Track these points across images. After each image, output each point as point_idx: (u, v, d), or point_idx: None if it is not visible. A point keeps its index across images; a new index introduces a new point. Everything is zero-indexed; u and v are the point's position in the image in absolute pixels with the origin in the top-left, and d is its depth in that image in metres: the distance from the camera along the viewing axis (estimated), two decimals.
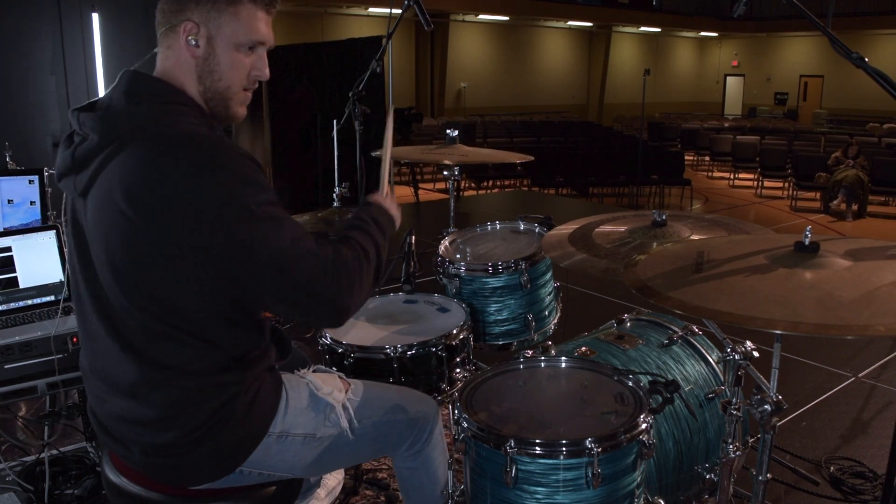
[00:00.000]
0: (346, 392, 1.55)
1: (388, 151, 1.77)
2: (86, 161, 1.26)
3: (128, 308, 1.27)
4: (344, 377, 1.61)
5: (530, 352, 1.78)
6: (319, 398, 1.49)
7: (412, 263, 2.36)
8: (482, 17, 19.53)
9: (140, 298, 1.26)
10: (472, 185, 11.02)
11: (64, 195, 1.41)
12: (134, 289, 1.26)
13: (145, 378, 1.30)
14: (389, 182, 1.71)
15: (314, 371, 1.58)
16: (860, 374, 3.48)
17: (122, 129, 1.23)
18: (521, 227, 2.65)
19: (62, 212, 1.43)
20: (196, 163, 1.20)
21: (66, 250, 1.44)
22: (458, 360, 2.02)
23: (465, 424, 1.47)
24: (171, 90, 1.30)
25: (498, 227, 2.67)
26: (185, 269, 1.22)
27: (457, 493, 1.56)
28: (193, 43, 1.29)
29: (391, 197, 1.62)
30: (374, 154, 2.57)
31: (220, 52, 1.31)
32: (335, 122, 2.90)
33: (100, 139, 1.24)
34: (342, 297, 1.30)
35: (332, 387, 1.53)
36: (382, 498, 2.38)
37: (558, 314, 2.47)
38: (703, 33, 25.69)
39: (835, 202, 9.75)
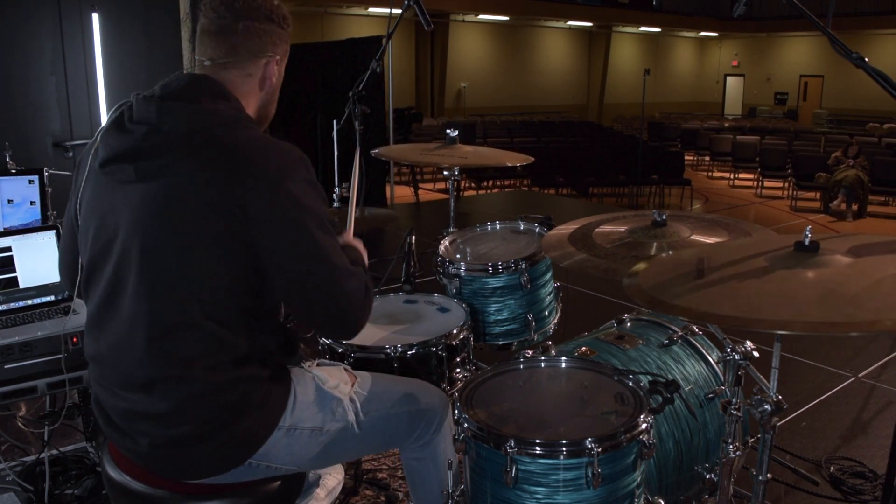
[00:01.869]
0: (353, 385, 1.56)
1: (354, 193, 1.91)
2: (161, 148, 1.29)
3: (174, 297, 1.30)
4: (350, 370, 1.62)
5: (530, 352, 1.78)
6: (326, 392, 1.50)
7: (412, 263, 2.36)
8: (482, 17, 19.54)
9: (193, 286, 1.29)
10: (472, 185, 11.02)
11: (81, 182, 1.42)
12: (193, 276, 1.29)
13: (161, 371, 1.32)
14: (350, 221, 1.82)
15: (319, 364, 1.59)
16: (860, 374, 3.48)
17: (209, 124, 1.31)
18: (521, 227, 2.64)
19: (77, 201, 1.44)
20: (285, 165, 1.31)
21: (81, 239, 1.43)
22: (458, 360, 2.02)
23: (466, 424, 1.47)
24: (237, 100, 1.40)
25: (498, 227, 2.67)
26: (229, 264, 1.29)
27: (457, 493, 1.56)
28: (276, 75, 1.47)
29: (356, 240, 1.70)
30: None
31: (279, 85, 1.51)
32: (335, 122, 2.90)
33: (183, 129, 1.30)
34: (361, 314, 1.43)
35: (337, 380, 1.54)
36: (382, 498, 2.38)
37: (558, 314, 2.47)
38: (703, 33, 25.69)
39: (835, 202, 9.75)
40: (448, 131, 2.71)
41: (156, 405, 1.33)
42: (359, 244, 1.66)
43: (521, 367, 1.74)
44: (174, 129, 1.30)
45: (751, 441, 2.23)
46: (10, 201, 2.65)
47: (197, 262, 1.29)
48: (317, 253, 1.32)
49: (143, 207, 1.31)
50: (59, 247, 1.88)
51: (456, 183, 2.81)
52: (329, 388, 1.51)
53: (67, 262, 1.56)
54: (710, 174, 14.20)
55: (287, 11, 1.47)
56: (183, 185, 1.28)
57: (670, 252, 1.72)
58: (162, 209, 1.29)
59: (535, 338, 2.33)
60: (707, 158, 14.49)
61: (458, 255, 2.44)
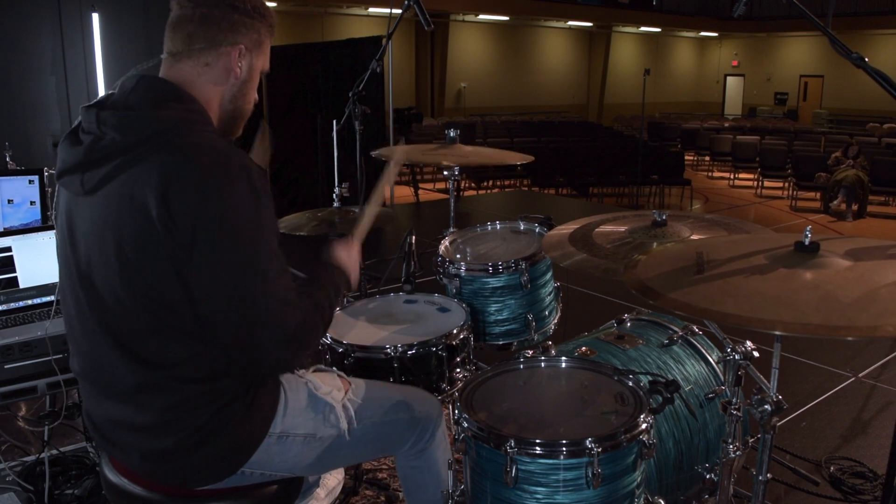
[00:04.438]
0: (346, 392, 1.55)
1: (377, 202, 1.84)
2: (103, 159, 1.25)
3: (128, 307, 1.26)
4: (344, 376, 1.61)
5: (530, 352, 1.78)
6: (318, 398, 1.49)
7: (412, 263, 2.36)
8: (482, 17, 19.53)
9: (142, 297, 1.25)
10: (472, 185, 11.02)
11: (56, 196, 1.40)
12: (138, 287, 1.25)
13: (142, 382, 1.30)
14: (360, 233, 1.73)
15: (314, 370, 1.58)
16: (860, 374, 3.48)
17: (149, 132, 1.24)
18: (521, 227, 2.64)
19: (53, 212, 1.42)
20: (225, 174, 1.23)
21: (57, 251, 1.42)
22: (458, 360, 2.02)
23: (466, 424, 1.47)
24: (191, 99, 1.32)
25: (498, 227, 2.67)
26: (189, 271, 1.22)
27: (457, 493, 1.56)
28: (240, 66, 1.37)
29: (353, 252, 1.63)
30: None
31: (254, 78, 1.42)
32: (335, 122, 2.90)
33: (123, 139, 1.24)
34: (286, 352, 1.29)
35: (331, 386, 1.53)
36: (382, 498, 2.38)
37: (558, 314, 2.47)
38: (703, 33, 25.68)
39: (835, 202, 9.75)
40: (448, 131, 2.70)
41: (140, 416, 1.32)
42: (352, 264, 1.59)
43: (522, 367, 1.74)
44: (114, 138, 1.25)
45: (751, 441, 2.23)
46: (10, 201, 2.64)
47: (142, 274, 1.24)
48: (239, 269, 1.23)
49: (91, 220, 1.28)
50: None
51: (456, 183, 2.81)
52: (322, 394, 1.50)
53: None
54: (710, 174, 14.20)
55: (261, 2, 1.40)
56: (122, 195, 1.23)
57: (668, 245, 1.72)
58: (105, 221, 1.26)
59: (536, 338, 2.33)
60: (707, 158, 14.48)
61: (458, 255, 2.44)
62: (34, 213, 2.69)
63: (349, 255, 1.60)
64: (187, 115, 1.29)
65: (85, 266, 1.31)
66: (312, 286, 1.43)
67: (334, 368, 1.69)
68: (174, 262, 1.22)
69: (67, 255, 1.36)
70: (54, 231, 2.10)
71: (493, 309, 2.30)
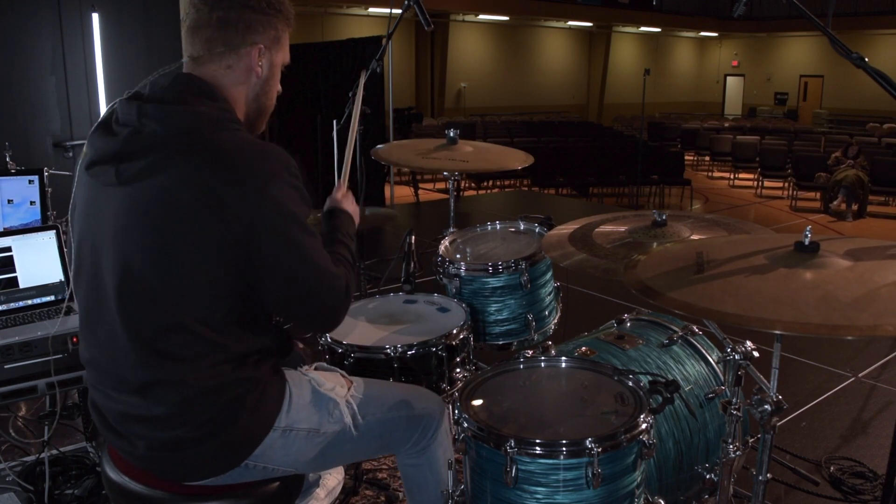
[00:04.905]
0: (349, 389, 1.56)
1: (352, 140, 1.91)
2: (142, 150, 1.28)
3: (158, 300, 1.29)
4: (346, 375, 1.62)
5: (530, 352, 1.78)
6: (322, 394, 1.50)
7: (412, 263, 2.35)
8: (482, 17, 19.54)
9: (175, 290, 1.28)
10: (472, 185, 11.02)
11: (75, 187, 1.41)
12: (173, 279, 1.28)
13: (157, 375, 1.31)
14: (345, 175, 1.80)
15: (316, 368, 1.58)
16: (860, 374, 3.48)
17: (190, 126, 1.28)
18: (522, 227, 2.64)
19: (71, 203, 1.44)
20: (268, 167, 1.29)
21: (73, 243, 1.43)
22: (458, 360, 2.01)
23: (466, 424, 1.47)
24: (223, 99, 1.37)
25: (498, 227, 2.67)
26: (210, 267, 1.27)
27: (457, 493, 1.56)
28: (261, 65, 1.41)
29: (348, 194, 1.71)
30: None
31: (275, 74, 1.46)
32: (335, 122, 2.90)
33: (165, 131, 1.27)
34: (343, 312, 1.43)
35: (334, 383, 1.54)
36: (382, 498, 2.38)
37: (558, 314, 2.47)
38: (703, 33, 25.68)
39: (835, 202, 9.75)
40: (448, 131, 2.70)
41: (151, 409, 1.33)
42: (350, 205, 1.68)
43: (521, 367, 1.74)
44: (155, 131, 1.28)
45: (751, 441, 2.23)
46: (10, 201, 2.65)
47: (178, 265, 1.27)
48: (300, 256, 1.32)
49: (125, 210, 1.29)
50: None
51: (456, 183, 2.80)
52: (325, 390, 1.51)
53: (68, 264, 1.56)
54: (710, 174, 14.20)
55: None
56: (163, 187, 1.26)
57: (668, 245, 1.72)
58: (143, 212, 1.28)
59: (535, 338, 2.33)
60: (707, 158, 14.48)
61: (458, 255, 2.44)
62: (34, 213, 2.69)
63: (345, 198, 1.69)
64: (222, 114, 1.34)
65: (111, 257, 1.32)
66: (332, 243, 1.54)
67: (336, 368, 1.70)
68: (223, 255, 1.26)
69: (89, 245, 1.36)
70: (54, 231, 2.12)
71: (493, 309, 2.30)
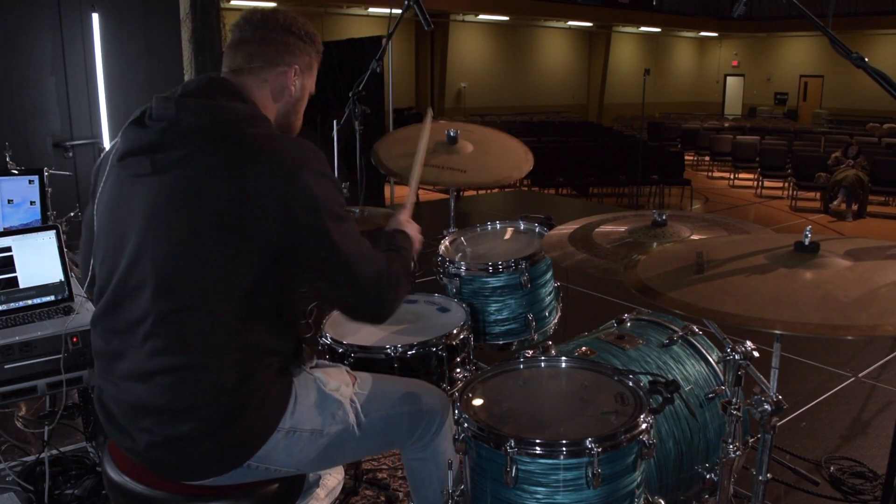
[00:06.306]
0: (353, 385, 1.56)
1: (419, 166, 2.00)
2: (178, 140, 1.32)
3: (184, 290, 1.30)
4: (350, 370, 1.62)
5: (530, 352, 1.78)
6: (327, 395, 1.51)
7: (412, 263, 2.35)
8: (482, 17, 19.54)
9: (204, 280, 1.30)
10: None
11: (102, 179, 1.45)
12: (203, 270, 1.30)
13: (172, 366, 1.32)
14: (411, 200, 1.88)
15: (319, 366, 1.58)
16: (860, 374, 3.48)
17: (227, 118, 1.34)
18: (522, 227, 2.64)
19: (94, 192, 1.48)
20: (303, 159, 1.34)
21: (96, 233, 1.46)
22: (458, 359, 2.02)
23: (466, 424, 1.47)
24: (254, 104, 1.44)
25: (498, 226, 2.67)
26: (243, 256, 1.30)
27: (457, 493, 1.56)
28: (294, 85, 1.51)
29: (412, 221, 1.78)
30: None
31: (304, 97, 1.56)
32: (335, 122, 2.90)
33: (201, 123, 1.33)
34: (388, 299, 1.46)
35: (339, 382, 1.54)
36: (382, 498, 2.38)
37: (558, 314, 2.47)
38: (703, 33, 25.68)
39: (835, 202, 9.75)
40: (448, 131, 2.70)
41: (159, 398, 1.33)
42: (412, 228, 1.74)
43: (522, 367, 1.74)
44: (192, 123, 1.33)
45: (751, 441, 2.23)
46: (10, 201, 2.65)
47: (210, 254, 1.30)
48: (332, 243, 1.35)
49: (158, 199, 1.33)
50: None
51: None
52: (330, 390, 1.51)
53: (85, 258, 1.57)
54: (710, 174, 14.20)
55: (312, 29, 1.52)
56: (198, 176, 1.31)
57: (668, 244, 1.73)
58: (177, 200, 1.31)
59: (536, 338, 2.33)
60: (707, 158, 14.48)
61: (458, 255, 2.44)
62: (34, 213, 2.69)
63: (408, 222, 1.77)
64: (254, 111, 1.41)
65: (141, 244, 1.34)
66: (388, 250, 1.62)
67: (340, 363, 1.70)
68: (255, 245, 1.29)
69: (115, 234, 1.39)
70: (54, 231, 2.11)
71: (493, 309, 2.30)
